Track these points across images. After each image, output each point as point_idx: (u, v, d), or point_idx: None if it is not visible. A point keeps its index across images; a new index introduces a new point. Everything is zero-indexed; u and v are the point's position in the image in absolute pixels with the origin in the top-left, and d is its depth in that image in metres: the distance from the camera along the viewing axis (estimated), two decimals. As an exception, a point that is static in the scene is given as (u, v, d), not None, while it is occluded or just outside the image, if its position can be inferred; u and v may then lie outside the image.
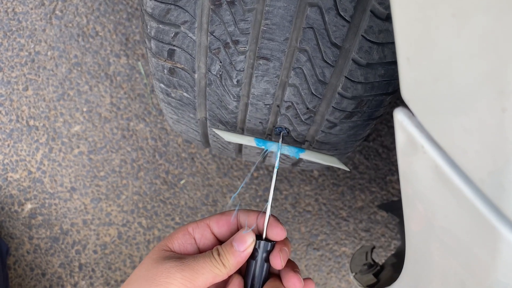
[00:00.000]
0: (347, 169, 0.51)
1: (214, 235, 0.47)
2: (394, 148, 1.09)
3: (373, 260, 0.77)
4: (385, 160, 1.09)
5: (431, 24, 0.24)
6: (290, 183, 1.08)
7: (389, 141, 1.08)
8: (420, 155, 0.30)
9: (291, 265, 0.46)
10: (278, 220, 0.46)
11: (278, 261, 0.44)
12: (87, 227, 1.04)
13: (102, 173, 1.04)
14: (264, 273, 0.45)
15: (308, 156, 0.49)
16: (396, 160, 1.07)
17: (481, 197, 0.27)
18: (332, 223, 1.09)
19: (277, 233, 0.45)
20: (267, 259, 0.45)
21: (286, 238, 0.46)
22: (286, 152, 0.49)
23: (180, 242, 0.45)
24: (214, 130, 0.49)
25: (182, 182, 1.06)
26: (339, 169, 1.08)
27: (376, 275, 0.73)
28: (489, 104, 0.23)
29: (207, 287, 0.42)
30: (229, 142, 0.58)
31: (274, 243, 0.45)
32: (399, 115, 0.30)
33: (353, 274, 0.76)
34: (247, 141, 0.48)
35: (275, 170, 0.47)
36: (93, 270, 1.05)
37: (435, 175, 0.30)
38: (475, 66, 0.23)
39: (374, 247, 0.81)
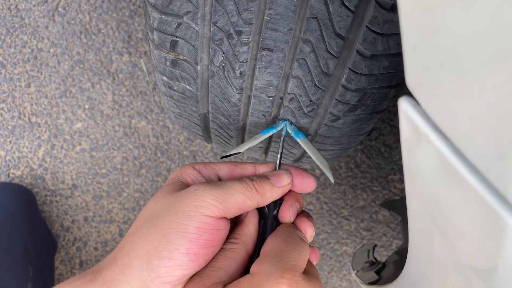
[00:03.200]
0: (332, 180, 0.49)
1: None
2: (396, 147, 1.08)
3: (375, 258, 0.77)
4: (387, 159, 1.08)
5: (438, 10, 0.23)
6: (292, 182, 1.07)
7: (392, 140, 1.08)
8: (425, 144, 0.30)
9: (305, 214, 0.43)
10: (304, 170, 0.44)
11: (286, 214, 0.42)
12: (88, 224, 1.04)
13: (103, 171, 1.04)
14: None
15: (304, 144, 0.49)
16: (398, 159, 1.07)
17: (487, 186, 0.27)
18: (333, 222, 1.09)
19: (309, 184, 0.44)
20: (276, 218, 0.43)
21: (300, 195, 0.44)
22: (289, 130, 0.49)
23: (193, 177, 0.41)
24: (223, 157, 0.48)
25: (183, 179, 1.06)
26: (340, 167, 1.08)
27: (378, 272, 0.73)
28: (496, 89, 0.23)
29: (234, 215, 0.39)
30: (231, 137, 0.58)
31: (281, 201, 0.43)
32: (403, 104, 0.30)
33: (355, 271, 0.76)
34: (257, 139, 0.48)
35: (283, 136, 0.48)
36: (94, 267, 1.04)
37: (440, 165, 0.29)
38: (482, 50, 0.22)
39: (376, 245, 0.81)
